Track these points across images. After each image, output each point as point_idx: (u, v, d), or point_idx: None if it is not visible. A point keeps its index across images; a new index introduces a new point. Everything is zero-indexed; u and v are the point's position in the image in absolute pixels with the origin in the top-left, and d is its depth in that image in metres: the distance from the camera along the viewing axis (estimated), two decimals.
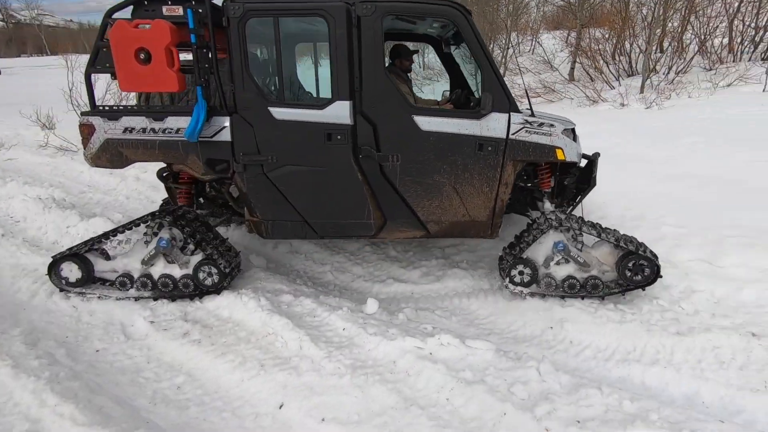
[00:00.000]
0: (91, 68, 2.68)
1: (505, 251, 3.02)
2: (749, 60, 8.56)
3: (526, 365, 2.29)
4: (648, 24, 8.56)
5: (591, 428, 1.91)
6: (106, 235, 2.96)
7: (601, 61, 9.31)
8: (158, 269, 2.90)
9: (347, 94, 2.59)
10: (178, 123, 2.65)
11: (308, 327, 2.64)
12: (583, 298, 2.86)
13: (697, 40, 9.27)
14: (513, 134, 2.69)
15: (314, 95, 3.43)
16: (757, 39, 9.17)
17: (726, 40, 9.36)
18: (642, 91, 7.87)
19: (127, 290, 2.91)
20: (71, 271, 2.90)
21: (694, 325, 2.60)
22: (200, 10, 2.43)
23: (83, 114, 2.79)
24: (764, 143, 4.90)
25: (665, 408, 2.04)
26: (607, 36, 9.89)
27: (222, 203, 3.52)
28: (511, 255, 2.92)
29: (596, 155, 3.13)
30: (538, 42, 13.97)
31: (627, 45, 9.71)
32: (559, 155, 2.79)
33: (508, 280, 2.89)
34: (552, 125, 2.76)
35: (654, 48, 9.87)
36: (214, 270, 2.83)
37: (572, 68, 9.90)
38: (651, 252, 2.79)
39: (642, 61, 8.55)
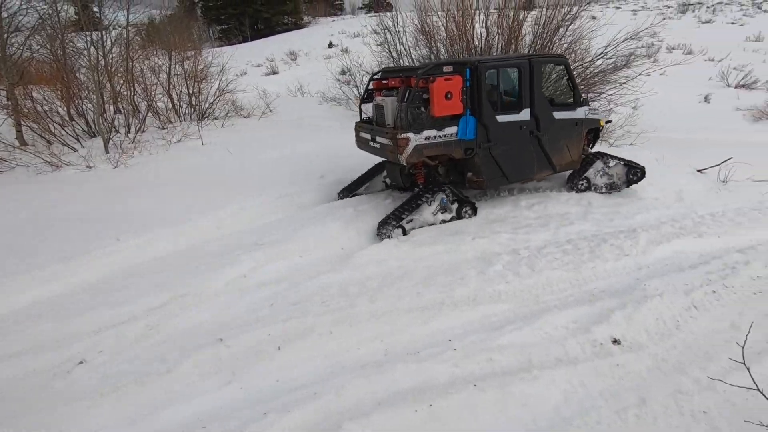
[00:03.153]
0: (409, 105, 4.38)
1: (570, 176, 5.59)
2: (190, 120, 10.66)
3: None
4: (91, 89, 8.77)
5: None
6: (412, 209, 4.66)
7: (54, 124, 8.65)
8: (439, 217, 4.82)
9: (528, 104, 4.88)
10: (452, 131, 4.52)
11: None
12: (610, 192, 5.61)
13: (146, 103, 10.46)
14: (586, 116, 5.29)
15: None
16: (193, 103, 11.51)
17: (170, 104, 11.12)
18: (107, 152, 8.03)
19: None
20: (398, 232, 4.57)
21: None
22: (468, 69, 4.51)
23: (401, 131, 4.30)
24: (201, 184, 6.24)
25: None
26: (53, 97, 9.27)
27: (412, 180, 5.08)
28: (575, 176, 5.53)
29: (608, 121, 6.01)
30: None
31: (81, 106, 9.54)
32: (602, 123, 5.54)
33: (574, 189, 5.51)
34: (597, 109, 5.54)
35: (111, 109, 10.27)
36: (469, 209, 4.95)
37: (19, 132, 8.59)
38: (641, 166, 5.57)
39: (99, 122, 8.70)
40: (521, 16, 9.72)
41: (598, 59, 9.26)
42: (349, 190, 5.67)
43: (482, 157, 4.76)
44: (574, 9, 9.62)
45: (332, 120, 11.06)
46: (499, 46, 9.77)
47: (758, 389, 1.80)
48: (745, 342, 2.02)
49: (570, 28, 9.78)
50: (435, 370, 2.59)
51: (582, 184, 5.56)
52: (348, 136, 9.32)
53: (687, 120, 9.93)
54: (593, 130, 5.61)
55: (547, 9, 9.55)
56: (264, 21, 34.77)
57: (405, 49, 10.53)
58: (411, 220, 4.67)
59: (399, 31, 10.59)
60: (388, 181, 5.75)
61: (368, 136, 4.93)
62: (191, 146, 8.39)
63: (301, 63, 20.17)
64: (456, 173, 5.19)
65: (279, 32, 31.93)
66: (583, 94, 5.63)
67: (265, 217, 5.13)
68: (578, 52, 10.03)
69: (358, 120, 5.36)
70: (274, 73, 18.15)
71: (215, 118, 10.63)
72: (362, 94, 5.30)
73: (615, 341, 2.86)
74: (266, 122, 10.23)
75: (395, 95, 4.65)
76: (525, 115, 4.89)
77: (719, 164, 5.97)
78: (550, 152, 5.15)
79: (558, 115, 5.12)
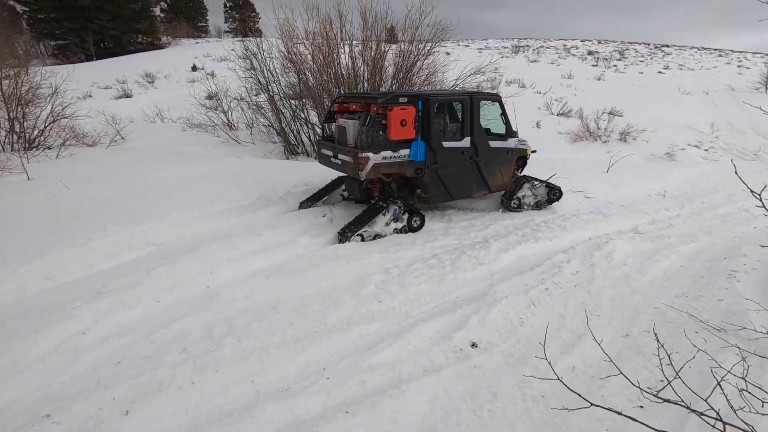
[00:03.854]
0: (369, 128, 4.93)
1: (504, 196, 6.29)
2: (12, 150, 8.89)
3: None
4: None
5: None
6: (367, 222, 5.13)
7: None
8: (391, 227, 5.31)
9: (469, 134, 5.58)
10: (405, 152, 5.14)
11: None
12: (538, 209, 6.38)
13: None
14: (515, 146, 6.21)
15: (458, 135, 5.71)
16: (17, 130, 9.61)
17: None
18: None
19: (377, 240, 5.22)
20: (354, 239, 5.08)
21: None
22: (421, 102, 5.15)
23: (362, 151, 4.90)
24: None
25: None
26: None
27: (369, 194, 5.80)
28: (508, 195, 6.25)
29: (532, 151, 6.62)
30: None
31: None
32: (528, 152, 6.46)
33: (508, 207, 6.25)
34: (525, 140, 6.44)
35: None
36: (418, 219, 5.47)
37: None
38: (558, 186, 6.43)
39: None
40: (384, 48, 10.43)
41: (452, 89, 10.37)
42: (311, 201, 6.13)
43: (430, 176, 5.45)
44: (429, 45, 10.68)
45: (199, 146, 10.34)
46: (365, 75, 10.30)
47: (558, 378, 2.15)
48: (545, 339, 2.40)
49: (426, 62, 10.80)
50: (307, 403, 2.52)
51: (514, 203, 6.34)
52: (216, 162, 8.77)
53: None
54: (522, 158, 6.53)
55: (405, 44, 10.43)
56: (112, 38, 31.27)
57: (273, 76, 10.45)
58: (367, 228, 5.19)
59: (266, 58, 10.49)
60: (345, 194, 6.34)
61: (330, 153, 5.53)
62: (12, 182, 6.97)
63: (160, 86, 18.54)
64: (407, 189, 5.86)
65: (132, 52, 29.02)
66: (514, 128, 6.37)
67: (111, 259, 4.48)
68: (434, 83, 11.10)
69: (320, 138, 6.12)
70: (127, 96, 16.33)
71: (48, 148, 9.09)
72: (325, 114, 6.15)
73: (473, 344, 3.14)
74: (117, 151, 9.09)
75: (356, 118, 5.20)
76: (466, 142, 5.64)
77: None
78: (486, 175, 5.93)
79: (493, 143, 5.91)
